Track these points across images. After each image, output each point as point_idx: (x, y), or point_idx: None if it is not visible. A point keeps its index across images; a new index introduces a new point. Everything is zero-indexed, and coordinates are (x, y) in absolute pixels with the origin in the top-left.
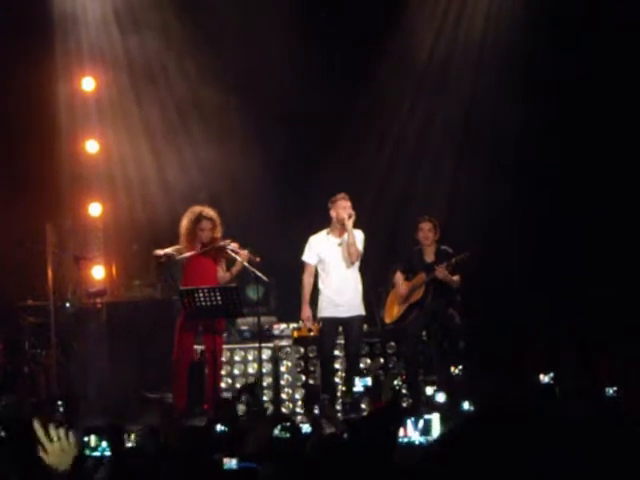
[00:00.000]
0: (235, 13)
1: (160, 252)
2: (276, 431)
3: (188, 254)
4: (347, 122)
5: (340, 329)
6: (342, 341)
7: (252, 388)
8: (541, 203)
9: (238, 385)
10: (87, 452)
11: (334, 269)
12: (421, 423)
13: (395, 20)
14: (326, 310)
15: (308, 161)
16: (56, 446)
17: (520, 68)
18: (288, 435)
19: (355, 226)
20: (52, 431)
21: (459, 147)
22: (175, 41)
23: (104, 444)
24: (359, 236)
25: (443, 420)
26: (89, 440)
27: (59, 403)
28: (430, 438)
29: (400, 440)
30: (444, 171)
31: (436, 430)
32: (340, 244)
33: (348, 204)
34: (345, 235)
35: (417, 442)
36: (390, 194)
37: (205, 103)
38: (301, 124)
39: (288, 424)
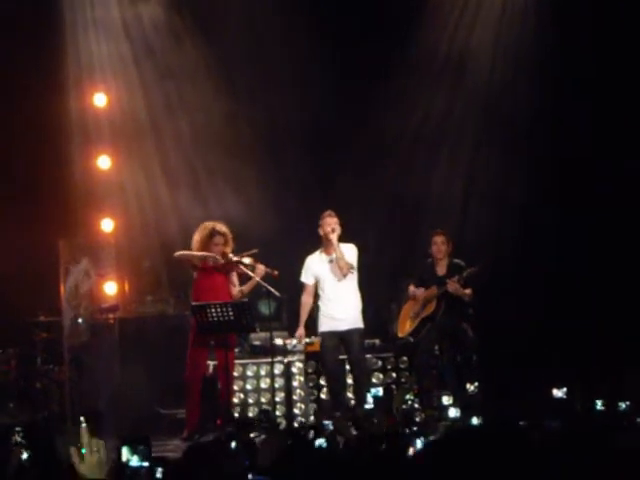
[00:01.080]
0: (246, 32)
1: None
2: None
3: (206, 254)
4: (359, 140)
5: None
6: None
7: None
8: (554, 216)
9: (250, 400)
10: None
11: (329, 285)
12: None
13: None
14: (324, 325)
15: (321, 178)
16: (94, 457)
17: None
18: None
19: (367, 241)
20: (94, 442)
21: (470, 163)
22: (187, 58)
23: (135, 457)
24: (351, 250)
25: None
26: (121, 451)
27: (81, 419)
28: None
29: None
30: (456, 185)
31: None
32: (331, 260)
33: (334, 220)
34: (334, 253)
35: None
36: (403, 209)
37: (217, 121)
38: (314, 143)
39: (301, 435)
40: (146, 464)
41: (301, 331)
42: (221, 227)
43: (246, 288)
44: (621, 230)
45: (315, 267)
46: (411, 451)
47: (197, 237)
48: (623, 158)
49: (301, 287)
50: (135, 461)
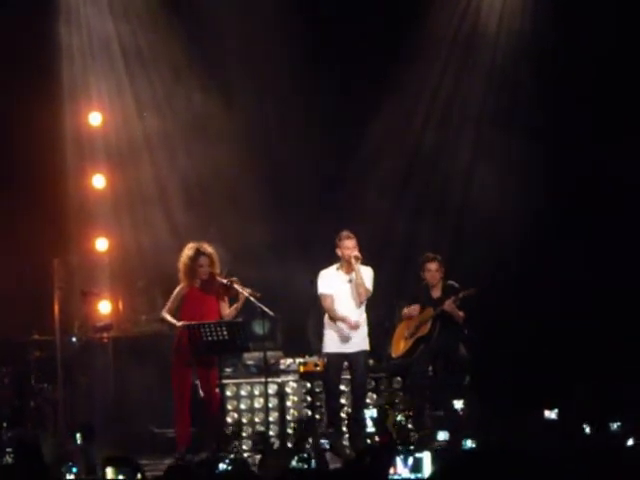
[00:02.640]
0: (243, 51)
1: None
2: (293, 462)
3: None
4: (350, 163)
5: (345, 364)
6: (348, 376)
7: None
8: (545, 233)
9: (244, 420)
10: None
11: (343, 305)
12: (411, 460)
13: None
14: (332, 346)
15: (317, 198)
16: None
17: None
18: (305, 466)
19: (362, 263)
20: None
21: (469, 179)
22: (181, 73)
23: (121, 477)
24: (368, 273)
25: (435, 458)
26: (105, 471)
27: (77, 435)
28: (421, 476)
29: (390, 478)
30: (449, 207)
31: (427, 468)
32: (350, 281)
33: (353, 242)
34: (353, 273)
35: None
36: (396, 231)
37: (213, 137)
38: (306, 158)
39: (305, 456)
40: None
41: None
42: (206, 248)
43: (238, 306)
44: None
45: (332, 283)
46: (392, 470)
47: (182, 258)
48: (626, 158)
49: (320, 299)
50: None
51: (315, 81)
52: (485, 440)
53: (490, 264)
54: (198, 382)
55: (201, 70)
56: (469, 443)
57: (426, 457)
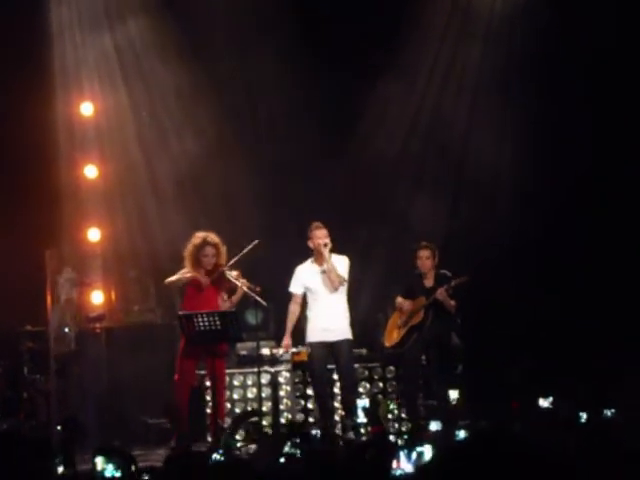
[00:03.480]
0: (233, 46)
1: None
2: (286, 448)
3: (191, 275)
4: (346, 146)
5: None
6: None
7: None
8: (537, 221)
9: (237, 410)
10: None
11: (320, 295)
12: (414, 455)
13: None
14: (313, 335)
15: (309, 189)
16: None
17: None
18: (299, 451)
19: (355, 251)
20: None
21: (457, 173)
22: (173, 65)
23: (110, 466)
24: (343, 262)
25: (434, 450)
26: (96, 462)
27: (58, 428)
28: None
29: (393, 472)
30: (441, 195)
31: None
32: (323, 271)
33: (323, 232)
34: (325, 263)
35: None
36: (389, 220)
37: (204, 129)
38: (302, 148)
39: (298, 440)
40: (119, 474)
41: (287, 341)
42: (213, 238)
43: (235, 298)
44: (618, 240)
45: (306, 277)
46: (395, 464)
47: (189, 247)
48: (624, 152)
49: (289, 297)
50: (109, 471)
51: (308, 59)
52: (478, 429)
53: (484, 249)
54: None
55: (192, 58)
56: (462, 434)
57: (427, 451)
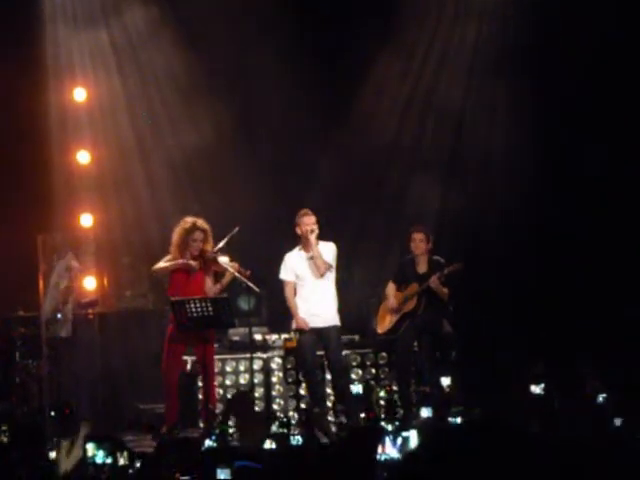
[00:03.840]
0: (228, 28)
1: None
2: (273, 428)
3: (180, 262)
4: (338, 134)
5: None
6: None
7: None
8: (532, 207)
9: (229, 396)
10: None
11: (307, 282)
12: (399, 440)
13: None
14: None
15: (300, 173)
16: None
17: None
18: (284, 431)
19: (348, 237)
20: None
21: (450, 160)
22: (167, 52)
23: (101, 453)
24: (330, 249)
25: (421, 437)
26: (87, 448)
27: (52, 413)
28: None
29: (378, 457)
30: (435, 183)
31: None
32: (310, 258)
33: (311, 219)
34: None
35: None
36: (382, 206)
37: (197, 115)
38: (294, 134)
39: (285, 420)
40: (110, 460)
41: (301, 319)
42: (202, 223)
43: (224, 282)
44: (610, 226)
45: (294, 264)
46: (380, 449)
47: (177, 231)
48: (623, 133)
49: (281, 284)
50: (100, 457)
51: (303, 43)
52: (470, 416)
53: (476, 238)
54: (186, 358)
55: (187, 45)
56: (457, 421)
57: (413, 436)
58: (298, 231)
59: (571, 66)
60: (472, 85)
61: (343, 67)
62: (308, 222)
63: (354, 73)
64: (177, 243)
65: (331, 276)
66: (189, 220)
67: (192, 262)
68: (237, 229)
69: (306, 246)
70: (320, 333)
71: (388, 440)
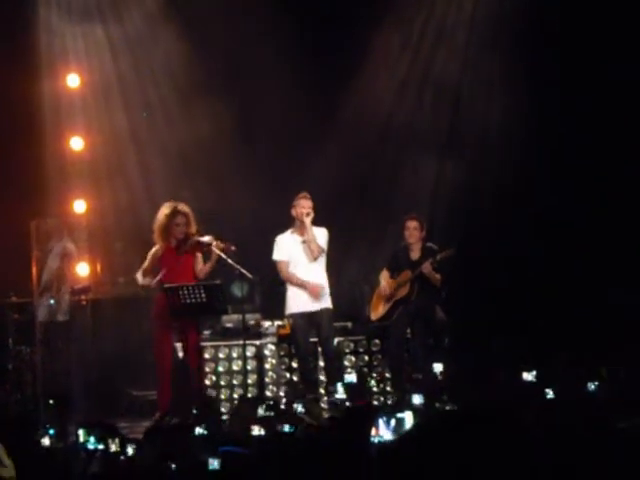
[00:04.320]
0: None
1: (141, 281)
2: (260, 411)
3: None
4: (331, 122)
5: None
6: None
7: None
8: (529, 193)
9: (222, 382)
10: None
11: (299, 265)
12: (393, 422)
13: None
14: (294, 306)
15: (293, 159)
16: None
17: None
18: (272, 414)
19: (340, 225)
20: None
21: (443, 146)
22: (160, 36)
23: (92, 439)
24: (322, 233)
25: (417, 419)
26: (78, 434)
27: (50, 402)
28: None
29: (372, 439)
30: (428, 169)
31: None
32: (303, 241)
33: (309, 203)
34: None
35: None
36: (375, 193)
37: (190, 102)
38: (285, 122)
39: (271, 403)
40: (102, 446)
41: (312, 284)
42: (183, 207)
43: (210, 264)
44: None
45: (287, 246)
46: (373, 431)
47: (159, 217)
48: (619, 106)
49: (275, 265)
50: (92, 443)
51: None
52: (463, 402)
53: (469, 224)
54: (178, 345)
55: (181, 30)
56: (446, 407)
57: (408, 417)
58: (293, 213)
59: (568, 40)
60: (469, 60)
61: (337, 46)
62: (305, 205)
63: (349, 52)
64: (160, 229)
65: (322, 260)
66: (169, 205)
67: (158, 278)
68: (233, 248)
69: (300, 229)
70: (312, 317)
71: (382, 422)
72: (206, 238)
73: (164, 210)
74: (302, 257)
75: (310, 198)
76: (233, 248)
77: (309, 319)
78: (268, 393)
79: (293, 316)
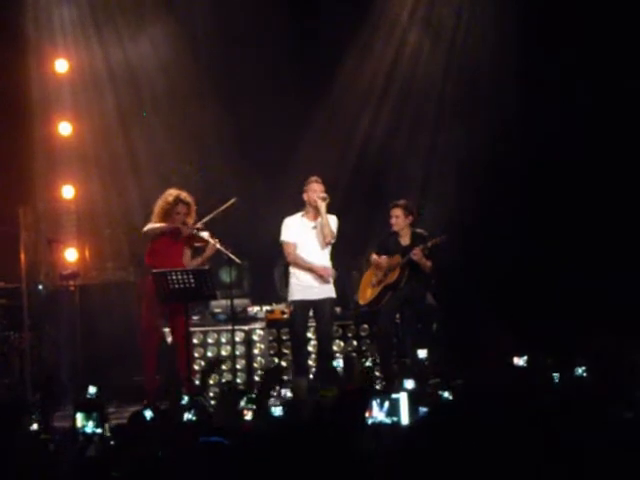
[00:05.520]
0: None
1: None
2: (242, 403)
3: (172, 226)
4: (320, 106)
5: (311, 312)
6: (313, 324)
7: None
8: (515, 178)
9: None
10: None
11: (308, 252)
12: (387, 404)
13: None
14: (298, 293)
15: (283, 145)
16: None
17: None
18: (254, 407)
19: (330, 210)
20: None
21: (434, 128)
22: (149, 21)
23: (90, 423)
24: (334, 221)
25: (412, 401)
26: (76, 418)
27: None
28: (397, 419)
29: (366, 421)
30: (419, 153)
31: (404, 410)
32: (314, 227)
33: (321, 187)
34: (319, 218)
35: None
36: (364, 179)
37: (178, 88)
38: (274, 105)
39: (253, 396)
40: (99, 430)
41: (319, 267)
42: (186, 196)
43: (205, 257)
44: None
45: (295, 229)
46: (368, 413)
47: (160, 202)
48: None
49: (282, 246)
50: (90, 427)
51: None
52: (456, 388)
53: (459, 210)
54: (167, 330)
55: (167, 16)
56: (446, 394)
57: (403, 398)
58: (305, 198)
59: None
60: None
61: (327, 35)
62: (318, 189)
63: (338, 39)
64: (160, 213)
65: (328, 249)
66: (173, 192)
67: (183, 227)
68: (233, 200)
69: (311, 213)
70: (314, 305)
71: (375, 403)
72: (205, 234)
73: (167, 197)
74: (312, 243)
75: (322, 183)
76: (229, 250)
77: (310, 307)
78: (257, 378)
79: (295, 303)
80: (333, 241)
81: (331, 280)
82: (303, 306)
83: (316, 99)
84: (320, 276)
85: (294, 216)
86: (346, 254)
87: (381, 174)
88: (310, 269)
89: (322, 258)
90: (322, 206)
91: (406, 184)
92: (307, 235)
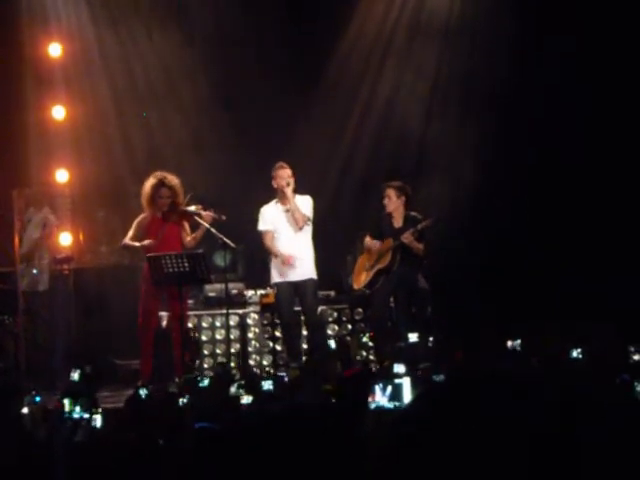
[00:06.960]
0: None
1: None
2: (232, 389)
3: (141, 245)
4: (315, 90)
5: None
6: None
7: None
8: (508, 163)
9: (205, 352)
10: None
11: (284, 235)
12: (389, 389)
13: None
14: (278, 276)
15: (276, 129)
16: None
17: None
18: (243, 392)
19: (317, 193)
20: None
21: (428, 113)
22: (142, 6)
23: (78, 408)
24: (307, 202)
25: (414, 386)
26: (64, 403)
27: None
28: (399, 404)
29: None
30: (413, 136)
31: (407, 395)
32: (287, 210)
33: (287, 172)
34: (288, 204)
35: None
36: (358, 161)
37: (173, 71)
38: (268, 92)
39: (243, 382)
40: (87, 415)
41: (285, 254)
42: (172, 179)
43: (198, 235)
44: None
45: (271, 216)
46: (370, 398)
47: (146, 186)
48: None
49: (260, 236)
50: (77, 412)
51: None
52: (450, 370)
53: (453, 193)
54: (163, 314)
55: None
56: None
57: (406, 383)
58: (274, 184)
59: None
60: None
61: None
62: (283, 175)
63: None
64: (146, 198)
65: (308, 229)
66: (156, 175)
67: (147, 243)
68: (224, 218)
69: (283, 199)
70: (296, 287)
71: (378, 388)
72: (192, 208)
73: (150, 181)
74: (286, 227)
75: (288, 167)
76: (224, 218)
77: (293, 289)
78: (251, 362)
79: (277, 285)
80: (309, 223)
81: (307, 263)
82: (285, 287)
83: (311, 82)
84: (286, 262)
85: (269, 204)
86: (340, 238)
87: (376, 156)
88: (277, 257)
89: (300, 240)
90: (288, 192)
91: (400, 167)
92: (282, 219)
